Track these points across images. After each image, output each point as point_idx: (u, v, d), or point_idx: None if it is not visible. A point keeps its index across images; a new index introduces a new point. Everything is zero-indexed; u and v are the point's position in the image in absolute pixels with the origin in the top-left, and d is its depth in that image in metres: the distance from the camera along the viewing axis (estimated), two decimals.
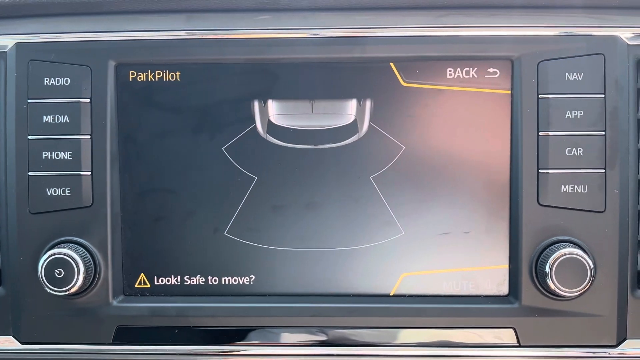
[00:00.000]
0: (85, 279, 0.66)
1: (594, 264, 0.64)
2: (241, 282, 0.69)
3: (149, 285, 0.69)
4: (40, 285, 0.66)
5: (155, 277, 0.69)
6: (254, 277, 0.68)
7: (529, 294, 0.66)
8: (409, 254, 0.68)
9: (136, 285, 0.69)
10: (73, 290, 0.66)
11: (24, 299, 0.68)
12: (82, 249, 0.66)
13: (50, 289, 0.66)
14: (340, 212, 0.68)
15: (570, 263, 0.63)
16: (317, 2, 0.68)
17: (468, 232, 0.67)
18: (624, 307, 0.66)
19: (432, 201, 0.67)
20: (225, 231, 0.68)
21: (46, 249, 0.67)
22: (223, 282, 0.69)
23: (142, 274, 0.69)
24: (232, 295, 0.68)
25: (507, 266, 0.67)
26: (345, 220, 0.68)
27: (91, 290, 0.67)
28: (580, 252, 0.64)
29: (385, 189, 0.67)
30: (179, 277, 0.69)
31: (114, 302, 0.68)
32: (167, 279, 0.69)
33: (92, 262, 0.67)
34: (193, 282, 0.69)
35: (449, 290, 0.68)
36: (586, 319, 0.66)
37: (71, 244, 0.67)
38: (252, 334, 0.68)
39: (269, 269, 0.68)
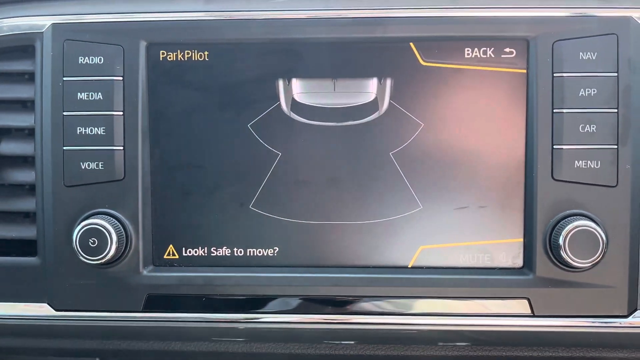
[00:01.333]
0: (117, 248, 0.69)
1: (606, 236, 0.66)
2: (265, 254, 0.71)
3: (177, 256, 0.72)
4: (74, 254, 0.69)
5: (184, 248, 0.72)
6: (277, 249, 0.71)
7: (543, 266, 0.68)
8: (427, 227, 0.70)
9: (165, 256, 0.72)
10: (106, 259, 0.69)
11: (59, 268, 0.71)
12: (114, 220, 0.69)
13: (84, 257, 0.69)
14: (360, 186, 0.70)
15: (583, 235, 0.66)
16: None
17: (484, 207, 0.69)
18: (635, 278, 0.68)
19: (450, 176, 0.69)
20: (251, 205, 0.71)
21: (80, 219, 0.70)
22: (248, 254, 0.71)
23: (171, 245, 0.72)
24: (257, 266, 0.71)
25: (521, 239, 0.69)
26: (366, 194, 0.70)
27: (122, 260, 0.70)
28: (593, 224, 0.66)
29: (404, 164, 0.70)
30: (206, 248, 0.72)
31: (144, 272, 0.71)
32: (194, 250, 0.72)
33: (123, 232, 0.69)
34: (219, 253, 0.72)
35: (465, 263, 0.70)
36: (598, 289, 0.68)
37: (104, 216, 0.70)
38: (275, 303, 0.71)
39: (292, 242, 0.71)
